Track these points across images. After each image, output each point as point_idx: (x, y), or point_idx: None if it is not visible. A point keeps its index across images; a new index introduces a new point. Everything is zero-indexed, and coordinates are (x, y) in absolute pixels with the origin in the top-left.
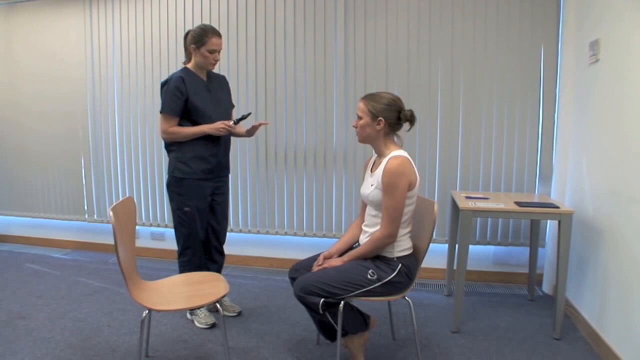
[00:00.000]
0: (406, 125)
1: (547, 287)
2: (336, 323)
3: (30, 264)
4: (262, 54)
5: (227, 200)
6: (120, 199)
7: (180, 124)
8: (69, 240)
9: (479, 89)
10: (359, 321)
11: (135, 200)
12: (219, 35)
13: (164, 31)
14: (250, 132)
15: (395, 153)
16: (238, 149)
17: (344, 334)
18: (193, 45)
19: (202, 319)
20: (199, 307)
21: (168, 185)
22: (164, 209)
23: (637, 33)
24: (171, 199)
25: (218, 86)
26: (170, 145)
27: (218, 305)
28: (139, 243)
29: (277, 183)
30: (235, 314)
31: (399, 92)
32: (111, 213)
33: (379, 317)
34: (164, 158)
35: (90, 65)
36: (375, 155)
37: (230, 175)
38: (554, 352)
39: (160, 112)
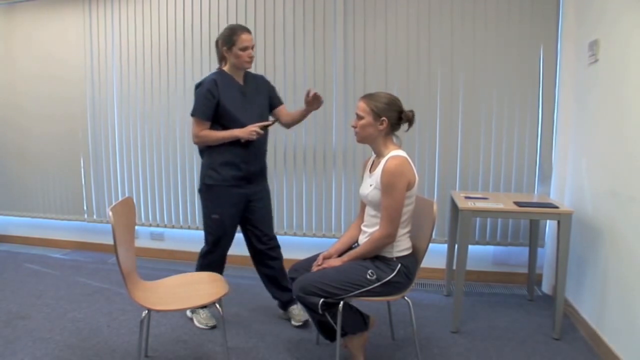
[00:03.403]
0: (404, 126)
1: (546, 287)
2: (335, 323)
3: (30, 264)
4: (262, 54)
5: (268, 205)
6: (120, 199)
7: (212, 128)
8: (68, 241)
9: (478, 89)
10: (358, 321)
11: (134, 200)
12: (248, 31)
13: (163, 32)
14: (310, 104)
15: (394, 153)
16: None
17: (344, 334)
18: (225, 48)
19: (203, 319)
20: (198, 307)
21: (199, 192)
22: (163, 209)
23: (636, 33)
24: (202, 205)
25: (254, 89)
26: (202, 151)
27: (217, 306)
28: (138, 243)
29: (277, 183)
30: (300, 324)
31: (398, 92)
32: (110, 213)
33: (378, 317)
34: (163, 158)
35: (89, 66)
36: (374, 156)
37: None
38: (553, 352)
39: (191, 116)
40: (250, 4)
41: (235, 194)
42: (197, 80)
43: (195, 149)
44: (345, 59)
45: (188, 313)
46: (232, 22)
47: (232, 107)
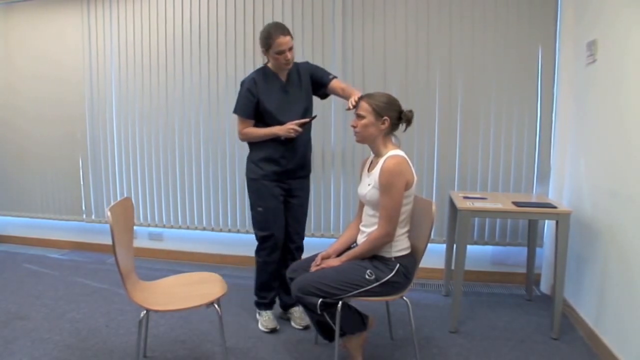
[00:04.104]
0: (402, 126)
1: (545, 287)
2: (334, 323)
3: (28, 265)
4: (261, 55)
5: (304, 203)
6: (118, 199)
7: (256, 125)
8: (67, 241)
9: (477, 89)
10: (357, 321)
11: (133, 200)
12: (284, 33)
13: (162, 33)
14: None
15: (393, 153)
16: (236, 149)
17: (342, 334)
18: (263, 49)
19: (264, 322)
20: (196, 307)
21: (247, 185)
22: (162, 209)
23: (634, 33)
24: (249, 198)
25: (297, 84)
26: (248, 146)
27: (216, 306)
28: (136, 243)
29: None
30: (300, 327)
31: (397, 92)
32: (109, 213)
33: (377, 317)
34: (162, 159)
35: (88, 67)
36: (372, 155)
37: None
38: (552, 352)
39: (234, 113)
40: (249, 3)
41: (274, 188)
42: (196, 81)
43: (193, 149)
44: (344, 59)
45: (257, 315)
46: (231, 23)
47: (272, 106)
